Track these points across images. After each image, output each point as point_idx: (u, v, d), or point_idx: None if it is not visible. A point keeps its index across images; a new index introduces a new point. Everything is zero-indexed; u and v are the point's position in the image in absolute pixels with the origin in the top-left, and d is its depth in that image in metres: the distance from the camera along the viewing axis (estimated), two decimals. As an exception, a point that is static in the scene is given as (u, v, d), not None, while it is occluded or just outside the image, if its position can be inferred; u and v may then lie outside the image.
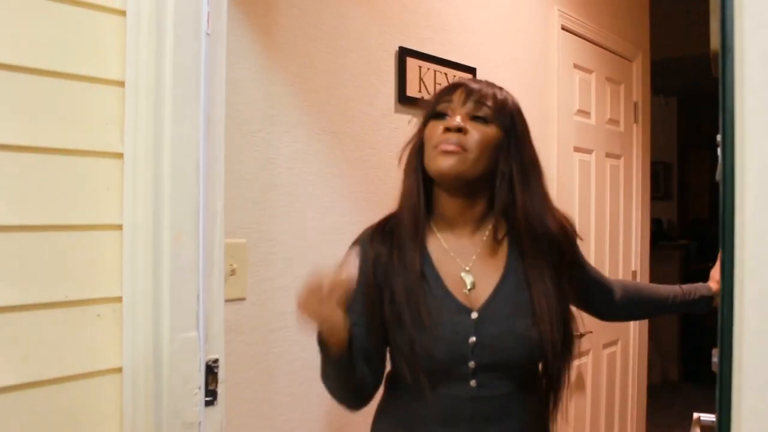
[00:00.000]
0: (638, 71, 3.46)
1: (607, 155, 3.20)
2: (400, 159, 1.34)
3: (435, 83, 2.11)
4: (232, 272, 1.55)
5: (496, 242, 1.30)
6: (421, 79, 2.06)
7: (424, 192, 1.30)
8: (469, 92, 1.28)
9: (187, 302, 1.22)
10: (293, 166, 1.71)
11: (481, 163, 1.25)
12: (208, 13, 1.26)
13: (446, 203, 1.30)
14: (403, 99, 2.01)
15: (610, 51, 3.20)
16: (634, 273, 3.43)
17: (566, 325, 1.29)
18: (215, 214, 1.28)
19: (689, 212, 6.96)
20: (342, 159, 1.85)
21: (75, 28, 1.14)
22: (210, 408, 1.26)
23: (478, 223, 1.31)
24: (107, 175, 1.18)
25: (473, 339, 1.23)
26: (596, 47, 3.10)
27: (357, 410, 1.34)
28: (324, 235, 1.79)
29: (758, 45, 0.68)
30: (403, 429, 1.30)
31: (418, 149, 1.31)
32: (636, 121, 3.45)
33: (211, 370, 1.26)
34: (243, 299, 1.59)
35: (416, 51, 2.06)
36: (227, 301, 1.41)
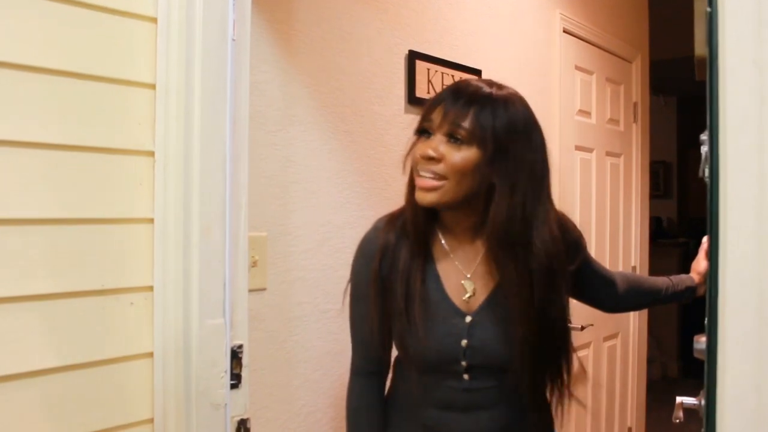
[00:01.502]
0: (637, 72, 3.48)
1: (608, 154, 3.22)
2: (404, 167, 1.32)
3: (442, 84, 2.15)
4: (254, 264, 1.58)
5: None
6: (429, 81, 2.11)
7: None
8: (446, 113, 1.20)
9: (214, 291, 1.25)
10: (310, 164, 1.75)
11: (463, 187, 1.21)
12: (234, 20, 1.30)
13: (444, 215, 1.30)
14: (413, 100, 2.05)
15: (610, 53, 3.22)
16: (634, 269, 3.45)
17: (556, 326, 1.28)
18: (240, 208, 1.31)
19: (688, 211, 6.89)
20: (356, 157, 1.90)
21: (110, 34, 1.18)
22: (235, 391, 1.29)
23: (477, 230, 1.29)
24: (140, 172, 1.21)
25: (465, 342, 1.26)
26: (597, 49, 3.12)
27: None
28: (339, 229, 1.83)
29: (738, 53, 0.75)
30: (406, 411, 1.36)
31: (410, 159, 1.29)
32: (635, 121, 3.47)
33: (235, 355, 1.29)
34: (264, 289, 1.63)
35: (425, 54, 2.11)
36: (249, 291, 1.44)
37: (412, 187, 1.28)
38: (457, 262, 1.30)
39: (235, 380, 1.30)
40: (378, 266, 1.30)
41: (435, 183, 1.20)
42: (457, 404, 1.29)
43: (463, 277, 1.29)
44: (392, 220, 1.35)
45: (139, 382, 1.22)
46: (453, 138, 1.20)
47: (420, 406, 1.33)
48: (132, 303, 1.22)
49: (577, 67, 2.99)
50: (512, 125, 1.22)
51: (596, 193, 3.11)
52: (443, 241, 1.31)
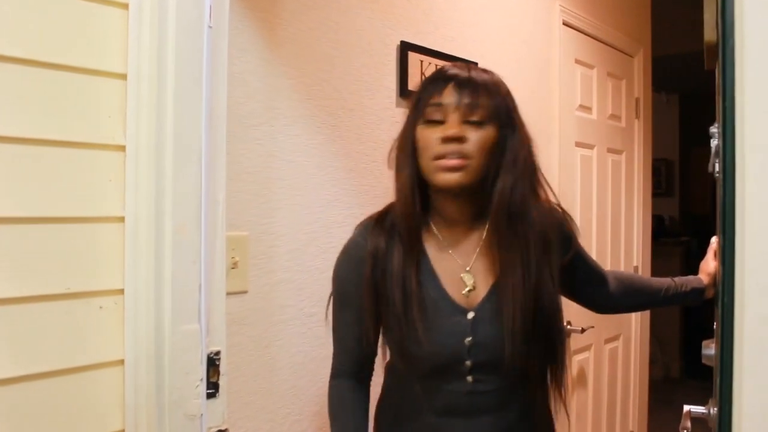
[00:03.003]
0: (639, 67, 3.46)
1: (609, 150, 3.20)
2: (389, 160, 1.30)
3: (436, 78, 2.11)
4: (234, 265, 1.55)
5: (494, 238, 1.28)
6: (422, 74, 2.06)
7: (419, 192, 1.26)
8: (460, 97, 1.22)
9: (188, 294, 1.22)
10: (295, 159, 1.71)
11: (483, 166, 1.23)
12: (210, 6, 1.26)
13: (445, 204, 1.28)
14: (405, 93, 2.00)
15: (611, 46, 3.20)
16: (636, 268, 3.43)
17: (552, 316, 1.28)
18: (216, 206, 1.28)
19: (691, 209, 6.94)
20: (343, 152, 1.85)
21: (77, 20, 1.14)
22: (212, 400, 1.26)
23: (476, 220, 1.30)
24: (109, 168, 1.18)
25: (469, 339, 1.24)
26: (597, 43, 3.10)
27: None
28: (326, 228, 1.79)
29: (758, 34, 0.68)
30: (402, 419, 1.33)
31: (410, 152, 1.26)
32: (637, 117, 3.45)
33: (212, 363, 1.26)
34: (245, 292, 1.59)
35: (418, 45, 2.06)
36: (229, 293, 1.41)
37: (406, 173, 1.26)
38: (455, 256, 1.29)
39: (212, 389, 1.28)
40: (370, 272, 1.27)
41: (462, 162, 1.20)
42: (459, 409, 1.27)
43: (462, 270, 1.28)
44: (379, 222, 1.32)
45: (108, 391, 1.19)
46: (470, 120, 1.22)
47: (420, 414, 1.30)
48: (101, 307, 1.18)
49: (578, 61, 2.96)
50: (513, 102, 1.30)
51: (597, 191, 3.09)
52: (439, 235, 1.30)
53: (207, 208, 1.25)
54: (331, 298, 1.37)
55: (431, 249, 1.29)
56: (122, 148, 1.19)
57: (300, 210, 1.72)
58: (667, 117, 6.59)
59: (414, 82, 2.02)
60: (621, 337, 3.28)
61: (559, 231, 1.34)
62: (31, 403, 1.08)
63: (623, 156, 3.34)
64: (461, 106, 1.21)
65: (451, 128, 1.20)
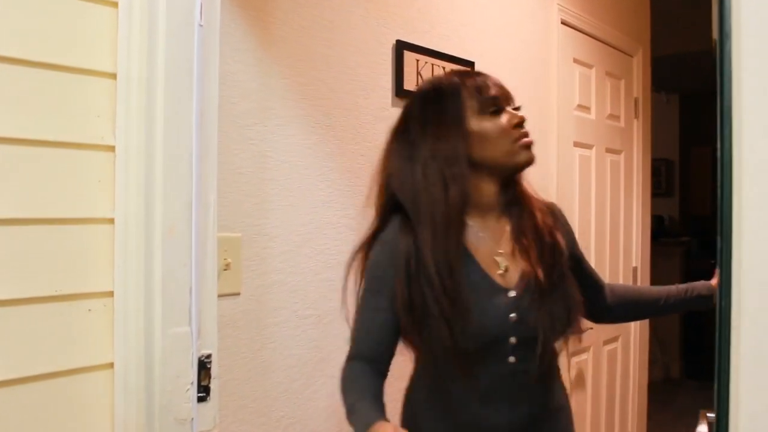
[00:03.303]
0: (639, 66, 3.44)
1: (608, 150, 3.19)
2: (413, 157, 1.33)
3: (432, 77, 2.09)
4: (227, 267, 1.53)
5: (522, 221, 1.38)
6: (418, 73, 2.04)
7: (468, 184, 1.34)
8: (502, 90, 1.37)
9: (179, 296, 1.21)
10: (289, 160, 1.69)
11: None
12: (201, 4, 1.25)
13: (487, 190, 1.35)
14: (401, 92, 1.99)
15: (610, 46, 3.18)
16: (635, 269, 3.41)
17: (568, 275, 1.38)
18: (208, 207, 1.27)
19: (691, 209, 6.93)
20: (338, 153, 1.83)
21: (65, 18, 1.13)
22: (203, 404, 1.25)
23: (506, 206, 1.38)
24: (99, 168, 1.16)
25: (513, 315, 1.29)
26: (596, 42, 3.08)
27: None
28: (320, 229, 1.77)
29: (755, 32, 0.66)
30: (441, 410, 1.34)
31: (463, 143, 1.31)
32: (636, 117, 3.44)
33: (203, 366, 1.25)
34: (238, 294, 1.58)
35: (414, 44, 2.04)
36: (222, 296, 1.40)
37: (460, 163, 1.30)
38: (488, 240, 1.36)
39: (203, 392, 1.26)
40: (405, 265, 1.29)
41: (532, 139, 1.36)
42: (501, 391, 1.31)
43: (495, 252, 1.35)
44: (400, 226, 1.33)
45: (97, 395, 1.17)
46: (515, 107, 1.37)
47: (458, 404, 1.32)
48: (90, 310, 1.17)
49: (576, 60, 2.94)
50: None
51: (596, 191, 3.08)
52: (472, 223, 1.36)
53: (198, 210, 1.24)
54: (362, 283, 1.36)
55: (468, 236, 1.34)
56: (111, 148, 1.18)
57: (294, 211, 1.70)
58: (667, 117, 6.58)
59: (410, 82, 2.01)
60: (620, 339, 3.27)
61: (562, 224, 1.46)
62: (18, 407, 1.07)
63: (622, 156, 3.33)
64: (509, 98, 1.37)
65: (518, 114, 1.35)
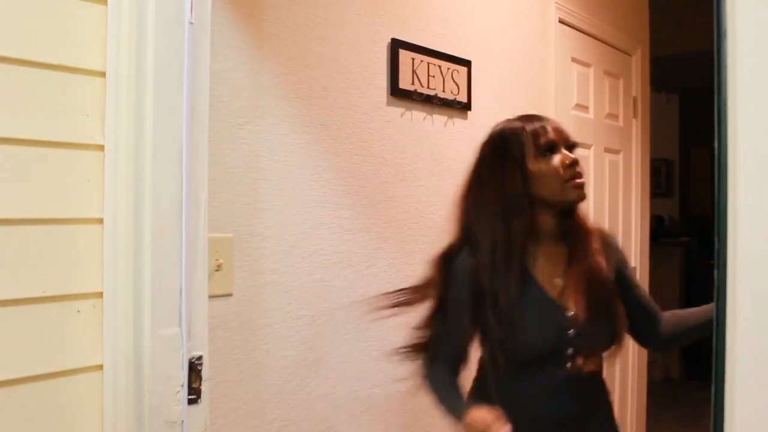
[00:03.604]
0: (637, 66, 3.44)
1: (606, 150, 3.18)
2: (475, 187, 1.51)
3: (428, 76, 2.08)
4: (218, 267, 1.52)
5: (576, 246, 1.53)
6: (414, 71, 2.03)
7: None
8: (555, 126, 1.51)
9: (169, 297, 1.20)
10: (282, 159, 1.68)
11: None
12: (192, 1, 1.24)
13: (546, 221, 1.51)
14: (396, 92, 1.98)
15: (608, 45, 3.18)
16: (634, 269, 3.40)
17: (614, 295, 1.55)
18: (198, 206, 1.26)
19: (691, 209, 6.93)
20: (332, 152, 1.82)
21: (54, 16, 1.12)
22: (193, 406, 1.24)
23: (563, 234, 1.53)
24: (87, 168, 1.16)
25: (572, 331, 1.46)
26: (594, 41, 3.07)
27: None
28: (313, 229, 1.76)
29: (750, 30, 0.65)
30: (508, 405, 1.42)
31: (524, 182, 1.47)
32: (635, 116, 3.44)
33: (194, 368, 1.24)
34: (230, 295, 1.57)
35: (409, 43, 2.03)
36: (213, 297, 1.39)
37: (522, 198, 1.47)
38: (547, 263, 1.51)
39: (194, 395, 1.25)
40: (473, 287, 1.47)
41: (584, 179, 1.49)
42: (559, 391, 1.47)
43: (554, 274, 1.51)
44: (465, 251, 1.51)
45: (86, 397, 1.17)
46: (570, 147, 1.50)
47: (523, 399, 1.47)
48: (79, 311, 1.16)
49: (574, 59, 2.94)
50: None
51: (594, 191, 3.07)
52: (533, 248, 1.51)
53: (188, 210, 1.23)
54: (440, 294, 1.54)
55: (531, 260, 1.51)
56: (101, 147, 1.17)
57: (287, 211, 1.70)
58: (666, 117, 6.59)
59: (405, 81, 2.00)
60: (619, 339, 3.25)
61: (614, 246, 1.65)
62: (5, 409, 1.06)
63: (621, 156, 3.32)
64: (566, 138, 1.50)
65: (571, 155, 1.48)
